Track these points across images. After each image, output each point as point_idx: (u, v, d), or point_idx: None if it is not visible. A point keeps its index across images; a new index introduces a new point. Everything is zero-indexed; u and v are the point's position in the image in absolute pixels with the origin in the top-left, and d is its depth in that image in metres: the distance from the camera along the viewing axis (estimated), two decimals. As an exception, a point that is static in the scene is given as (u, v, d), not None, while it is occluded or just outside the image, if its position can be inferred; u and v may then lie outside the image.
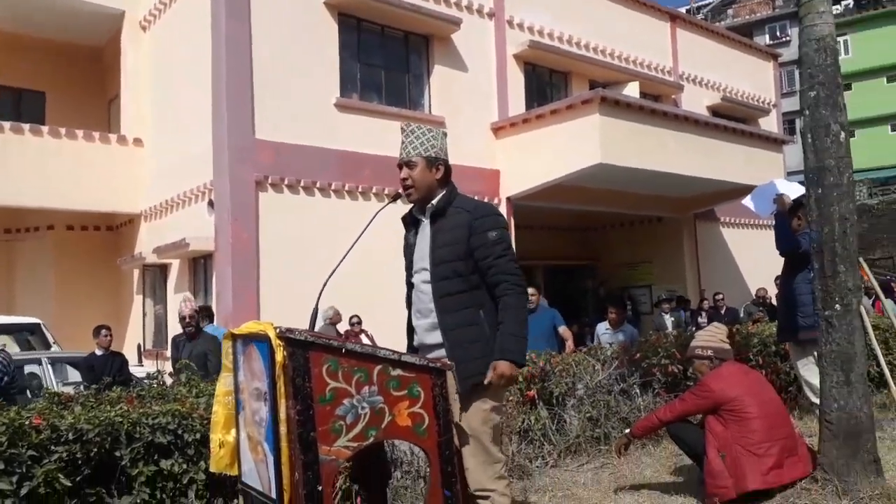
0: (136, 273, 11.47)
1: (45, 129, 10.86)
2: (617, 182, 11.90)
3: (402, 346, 3.01)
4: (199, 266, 10.02)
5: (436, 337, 2.77)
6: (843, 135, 3.85)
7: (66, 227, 11.94)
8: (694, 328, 10.04)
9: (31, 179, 10.43)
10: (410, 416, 2.48)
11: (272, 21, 9.48)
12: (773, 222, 5.07)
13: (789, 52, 29.69)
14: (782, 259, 4.92)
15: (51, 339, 8.16)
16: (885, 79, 33.13)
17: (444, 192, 2.82)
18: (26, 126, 10.67)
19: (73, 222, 11.96)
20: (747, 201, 5.43)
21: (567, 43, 13.28)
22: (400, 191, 2.90)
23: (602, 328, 7.58)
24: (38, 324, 8.24)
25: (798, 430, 4.10)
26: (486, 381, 2.62)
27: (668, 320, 11.05)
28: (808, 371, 4.59)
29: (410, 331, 2.95)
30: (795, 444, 3.74)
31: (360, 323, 9.07)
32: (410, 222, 2.94)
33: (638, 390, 5.36)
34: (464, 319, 2.71)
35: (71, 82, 13.07)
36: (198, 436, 3.48)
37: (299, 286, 8.64)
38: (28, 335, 8.19)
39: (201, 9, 9.63)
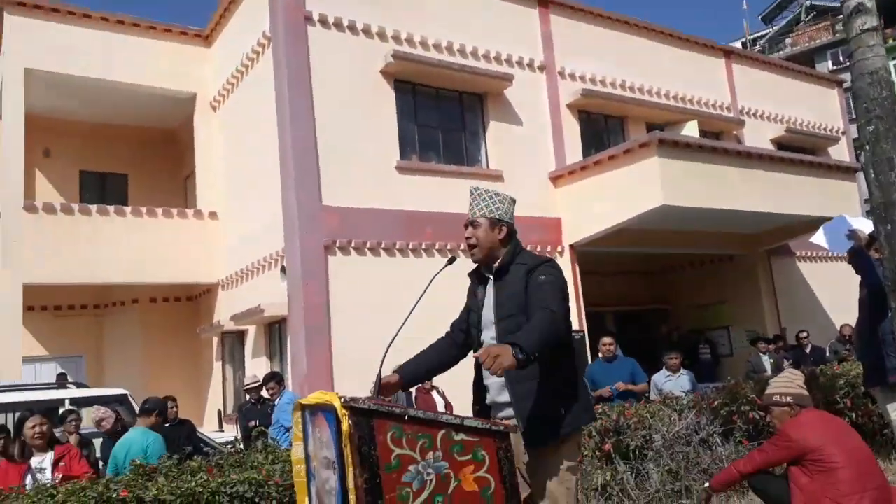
0: (216, 340, 11.92)
1: (127, 209, 11.60)
2: (682, 222, 11.70)
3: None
4: (275, 331, 10.34)
5: (506, 395, 2.79)
6: (907, 167, 3.74)
7: (150, 300, 12.60)
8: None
9: (118, 257, 11.10)
10: (476, 480, 2.48)
11: (332, 93, 9.94)
12: (849, 258, 4.88)
13: (856, 76, 28.81)
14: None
15: (138, 410, 8.50)
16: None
17: (508, 250, 2.89)
18: (111, 207, 11.41)
19: (156, 295, 12.60)
20: (817, 239, 5.26)
21: (620, 88, 13.34)
22: (461, 248, 3.00)
23: (661, 377, 7.35)
24: (125, 394, 8.61)
25: (892, 478, 3.86)
26: (475, 356, 2.55)
27: (767, 361, 10.23)
28: None
29: (479, 388, 2.97)
30: (889, 494, 3.51)
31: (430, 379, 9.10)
32: (477, 280, 3.02)
33: (719, 440, 5.17)
34: (529, 373, 2.68)
35: (150, 163, 13.97)
36: (273, 502, 3.58)
37: (371, 346, 8.73)
38: (117, 406, 8.57)
39: (266, 86, 10.20)
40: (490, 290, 2.91)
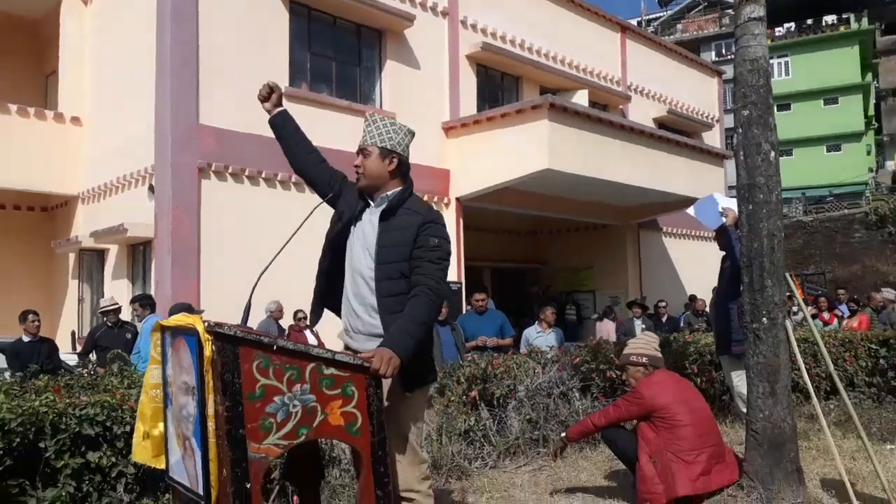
0: (72, 257, 11.06)
1: (-25, 102, 10.38)
2: (563, 188, 12.09)
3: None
4: (139, 253, 9.75)
5: (369, 328, 2.76)
6: (773, 154, 4.00)
7: (-1, 206, 11.45)
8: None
9: (-40, 155, 9.96)
10: (343, 415, 2.45)
11: (222, 4, 9.27)
12: (715, 234, 5.20)
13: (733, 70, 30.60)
14: (717, 271, 5.06)
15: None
16: (822, 101, 34.58)
17: (400, 189, 2.81)
18: (-44, 98, 10.18)
19: (4, 201, 11.46)
20: (692, 212, 5.57)
21: (519, 47, 13.40)
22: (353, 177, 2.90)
23: (533, 332, 7.65)
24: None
25: (727, 439, 4.23)
26: (365, 363, 2.48)
27: (639, 326, 10.52)
28: (741, 381, 4.73)
29: (321, 296, 2.92)
30: (723, 451, 3.86)
31: (305, 318, 8.94)
32: (358, 197, 2.88)
33: (577, 394, 5.45)
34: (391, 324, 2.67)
35: (6, 55, 12.50)
36: (128, 428, 3.40)
37: (241, 277, 8.45)
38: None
39: (149, -15, 9.35)
40: (373, 224, 2.79)
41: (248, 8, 9.56)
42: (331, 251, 2.91)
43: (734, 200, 5.27)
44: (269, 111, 3.03)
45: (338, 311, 2.93)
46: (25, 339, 6.89)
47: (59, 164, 10.87)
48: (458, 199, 11.59)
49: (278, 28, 9.90)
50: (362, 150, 2.82)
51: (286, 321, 9.09)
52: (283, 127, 3.03)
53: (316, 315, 2.96)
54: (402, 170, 2.84)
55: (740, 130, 4.10)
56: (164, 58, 8.87)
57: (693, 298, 13.12)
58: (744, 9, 4.20)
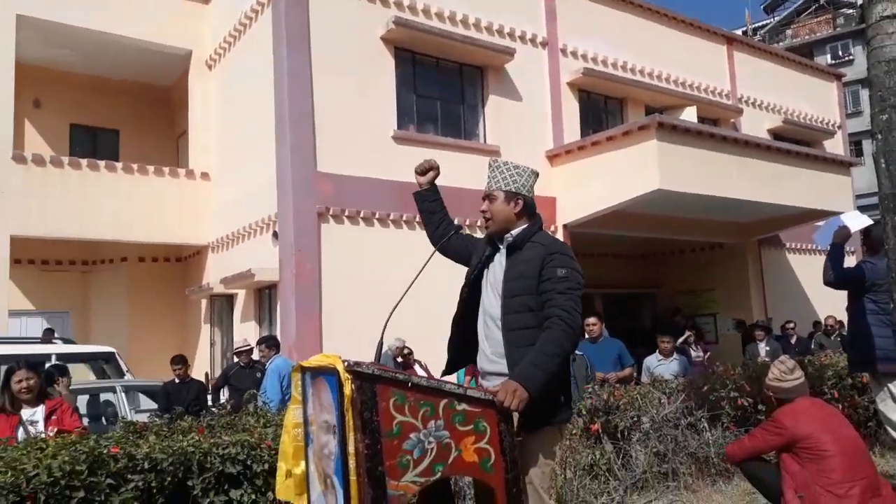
0: (204, 303, 11.84)
1: (118, 165, 11.41)
2: (676, 208, 11.71)
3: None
4: (265, 296, 10.28)
5: (497, 367, 2.78)
6: (918, 160, 3.71)
7: (139, 259, 12.47)
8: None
9: (107, 213, 10.96)
10: (477, 451, 2.46)
11: (331, 57, 9.77)
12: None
13: (853, 72, 28.75)
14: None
15: (124, 368, 8.48)
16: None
17: (526, 226, 2.87)
18: (101, 163, 11.23)
19: (144, 254, 12.48)
20: (815, 235, 5.31)
21: (622, 69, 13.23)
22: (454, 224, 3.00)
23: (654, 361, 7.36)
24: (113, 352, 8.56)
25: (879, 471, 3.90)
26: (494, 398, 2.48)
27: (763, 349, 10.10)
28: (887, 406, 4.38)
29: (454, 345, 2.99)
30: (878, 484, 3.54)
31: (411, 353, 9.08)
32: (488, 243, 2.99)
33: (706, 424, 5.21)
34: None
35: (142, 120, 13.75)
36: (266, 466, 3.56)
37: (360, 314, 8.77)
38: (103, 363, 8.53)
39: (264, 47, 10.01)
40: (501, 262, 2.87)
41: (356, 59, 10.01)
42: (463, 303, 2.96)
43: (858, 216, 4.95)
44: (420, 185, 3.20)
45: (470, 361, 2.98)
46: (176, 380, 7.43)
47: (191, 217, 11.72)
48: (564, 225, 11.48)
49: (385, 74, 10.29)
50: (488, 196, 2.90)
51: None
52: (424, 201, 3.20)
53: (451, 366, 3.01)
54: (529, 210, 2.90)
55: (879, 136, 3.83)
56: (283, 112, 9.43)
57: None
58: (875, 7, 3.95)
